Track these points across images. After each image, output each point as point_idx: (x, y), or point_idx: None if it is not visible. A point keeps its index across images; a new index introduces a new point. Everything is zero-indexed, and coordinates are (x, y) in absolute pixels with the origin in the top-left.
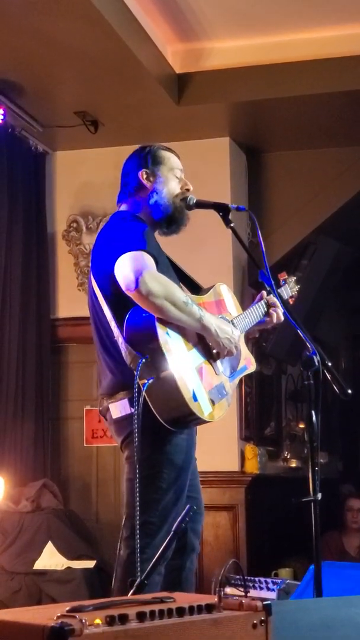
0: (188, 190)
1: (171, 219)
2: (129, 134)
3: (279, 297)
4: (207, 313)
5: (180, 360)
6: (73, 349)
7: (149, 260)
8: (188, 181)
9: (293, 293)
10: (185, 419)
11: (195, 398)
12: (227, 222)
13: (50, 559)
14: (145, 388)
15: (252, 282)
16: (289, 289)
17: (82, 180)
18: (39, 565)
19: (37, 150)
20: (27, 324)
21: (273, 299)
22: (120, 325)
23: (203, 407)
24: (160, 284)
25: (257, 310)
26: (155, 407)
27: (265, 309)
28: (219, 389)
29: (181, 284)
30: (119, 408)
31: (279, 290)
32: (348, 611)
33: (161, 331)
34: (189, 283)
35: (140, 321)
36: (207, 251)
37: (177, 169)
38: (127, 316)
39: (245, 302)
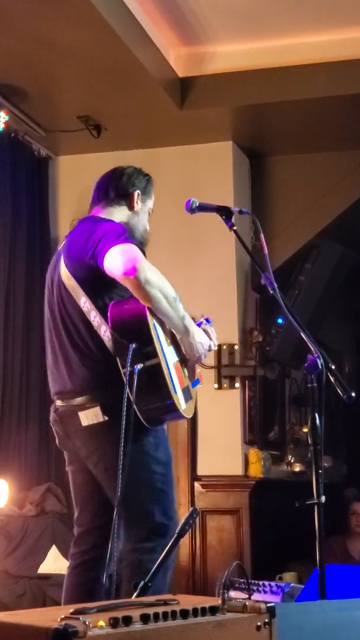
0: (146, 230)
1: (140, 245)
2: (132, 138)
3: (282, 300)
4: (188, 315)
5: (164, 352)
6: None
7: (142, 253)
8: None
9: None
10: (166, 409)
11: (175, 390)
12: (230, 225)
13: (55, 562)
14: (136, 372)
15: (255, 285)
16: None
17: (85, 185)
18: (43, 569)
19: (40, 155)
20: (31, 328)
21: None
22: (103, 314)
23: (181, 401)
24: (157, 275)
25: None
26: (136, 396)
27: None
28: (187, 391)
29: None
30: (89, 416)
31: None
32: (352, 614)
33: (151, 320)
34: None
35: (129, 309)
36: (210, 255)
37: (151, 209)
38: (110, 305)
39: (247, 306)
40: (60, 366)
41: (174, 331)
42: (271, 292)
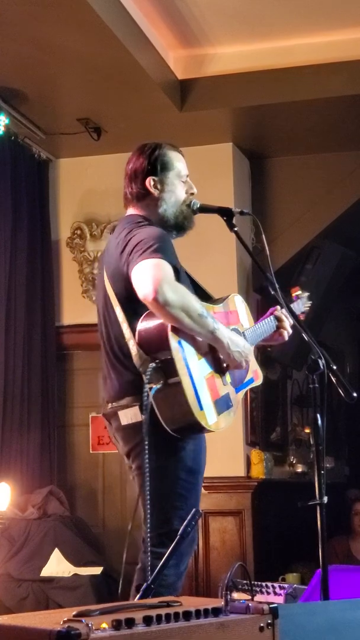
0: (193, 194)
1: (179, 226)
2: (132, 140)
3: (285, 304)
4: (221, 325)
5: (190, 369)
6: (78, 356)
7: (167, 268)
8: (192, 184)
9: (305, 309)
10: (190, 427)
11: (201, 407)
12: (231, 226)
13: (57, 565)
14: (153, 393)
15: (257, 287)
16: (301, 304)
17: (86, 188)
18: (46, 572)
19: (40, 158)
20: (32, 331)
21: (281, 314)
22: (132, 327)
23: (208, 417)
24: (177, 294)
25: (268, 324)
26: (161, 414)
27: (276, 324)
28: (225, 400)
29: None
30: (129, 415)
31: (291, 306)
32: (355, 614)
33: (173, 339)
34: (200, 291)
35: (153, 326)
36: (211, 256)
37: (184, 173)
38: (140, 319)
39: (249, 306)
40: (106, 372)
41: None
42: (272, 293)
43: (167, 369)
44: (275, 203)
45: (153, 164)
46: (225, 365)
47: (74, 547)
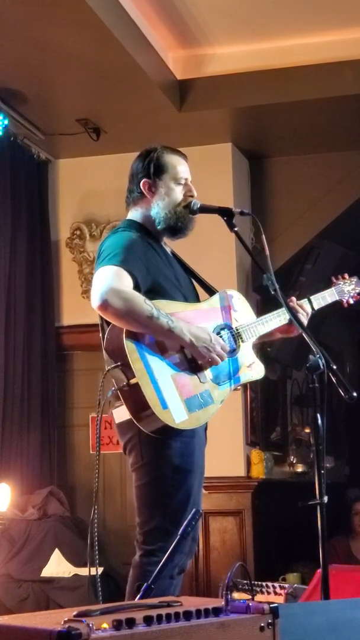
0: (192, 196)
1: (174, 228)
2: (131, 141)
3: (285, 304)
4: (180, 323)
5: (150, 369)
6: (78, 357)
7: (117, 275)
8: (192, 187)
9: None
10: (156, 426)
11: (164, 406)
12: (231, 226)
13: (58, 566)
14: (110, 394)
15: (256, 287)
16: (347, 288)
17: (85, 188)
18: (46, 572)
19: (39, 159)
20: (32, 332)
21: (295, 306)
22: (104, 333)
23: (174, 415)
24: (121, 300)
25: (275, 317)
26: (131, 414)
27: (287, 317)
28: (202, 397)
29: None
30: (119, 414)
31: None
32: (355, 613)
33: (129, 342)
34: (204, 287)
35: (114, 331)
36: (211, 256)
37: (182, 176)
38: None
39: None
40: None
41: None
42: (272, 292)
43: (126, 370)
44: (275, 203)
45: (147, 167)
46: (200, 362)
47: (74, 547)
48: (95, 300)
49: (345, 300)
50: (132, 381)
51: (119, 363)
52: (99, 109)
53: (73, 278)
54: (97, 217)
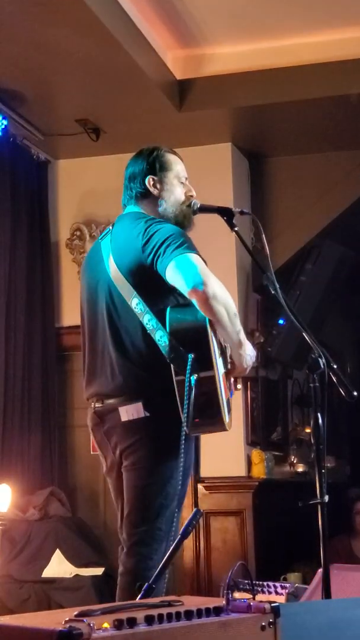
0: (192, 196)
1: (179, 225)
2: (131, 141)
3: (285, 303)
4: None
5: (217, 365)
6: (78, 357)
7: (205, 264)
8: (191, 187)
9: None
10: (212, 422)
11: (223, 403)
12: (231, 226)
13: (59, 566)
14: (194, 383)
15: (257, 286)
16: None
17: (85, 188)
18: (48, 573)
19: (39, 159)
20: (32, 333)
21: None
22: (159, 318)
23: (226, 414)
24: (222, 290)
25: None
26: (183, 406)
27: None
28: (229, 402)
29: None
30: (130, 411)
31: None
32: (356, 612)
33: (211, 333)
34: None
35: (190, 319)
36: (211, 256)
37: (182, 175)
38: (168, 312)
39: (249, 307)
40: (100, 367)
41: (226, 343)
42: (272, 292)
43: (202, 362)
44: (275, 203)
45: (152, 164)
46: (231, 368)
47: (75, 547)
48: (198, 283)
49: None
50: (207, 373)
51: (192, 354)
52: (99, 109)
53: (73, 279)
54: (97, 218)
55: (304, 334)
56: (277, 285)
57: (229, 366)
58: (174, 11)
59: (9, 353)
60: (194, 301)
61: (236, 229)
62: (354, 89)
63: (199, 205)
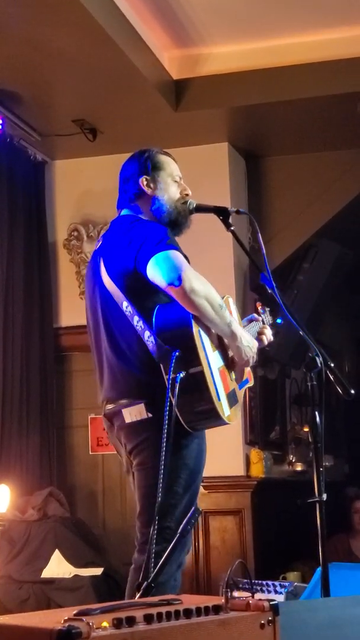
0: (187, 195)
1: (175, 223)
2: (128, 141)
3: (282, 303)
4: (234, 320)
5: (208, 359)
6: (76, 358)
7: (185, 259)
8: (187, 186)
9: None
10: (209, 417)
11: (218, 397)
12: (227, 225)
13: (58, 567)
14: (178, 381)
15: (254, 286)
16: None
17: (82, 189)
18: (47, 573)
19: (36, 160)
20: (30, 333)
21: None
22: (147, 318)
23: (224, 408)
24: (202, 283)
25: (254, 328)
26: (179, 404)
27: (258, 330)
28: (233, 395)
29: None
30: (133, 412)
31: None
32: (355, 610)
33: (195, 328)
34: None
35: (174, 316)
36: (208, 256)
37: (176, 174)
38: (155, 311)
39: (246, 306)
40: (104, 373)
41: (221, 336)
42: (270, 291)
43: (189, 358)
44: (272, 202)
45: (144, 165)
46: (231, 360)
47: (74, 548)
48: (175, 279)
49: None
50: (195, 369)
51: (177, 351)
52: (95, 109)
53: (71, 279)
54: (94, 218)
55: (301, 332)
56: (275, 285)
57: (229, 359)
58: (170, 11)
59: (7, 353)
60: (174, 297)
61: (232, 228)
62: (350, 87)
63: (195, 205)
